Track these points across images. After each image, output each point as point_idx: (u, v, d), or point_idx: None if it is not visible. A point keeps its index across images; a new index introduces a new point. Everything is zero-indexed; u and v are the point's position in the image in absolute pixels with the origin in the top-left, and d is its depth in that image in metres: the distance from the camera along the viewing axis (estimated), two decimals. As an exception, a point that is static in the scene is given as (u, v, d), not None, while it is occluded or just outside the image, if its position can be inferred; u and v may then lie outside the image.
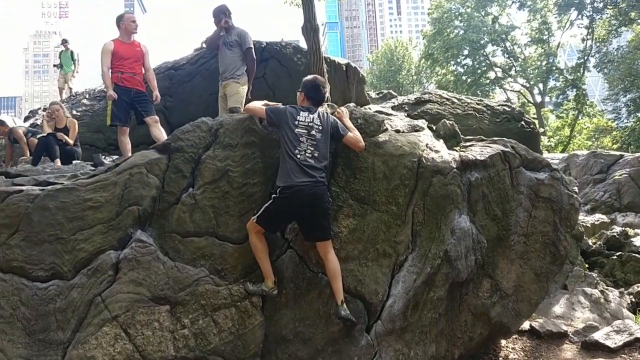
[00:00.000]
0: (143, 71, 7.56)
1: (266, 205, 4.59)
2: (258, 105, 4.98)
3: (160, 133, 7.19)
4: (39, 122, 11.79)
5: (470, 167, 5.60)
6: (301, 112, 4.78)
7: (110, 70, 7.30)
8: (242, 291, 4.64)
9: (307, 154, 4.58)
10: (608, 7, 35.01)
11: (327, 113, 5.01)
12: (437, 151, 5.48)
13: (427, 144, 5.51)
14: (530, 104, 41.28)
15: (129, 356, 4.27)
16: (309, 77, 5.25)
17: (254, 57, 7.98)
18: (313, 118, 4.76)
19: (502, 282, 5.76)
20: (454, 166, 5.41)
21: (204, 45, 9.90)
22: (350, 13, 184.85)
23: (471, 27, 39.75)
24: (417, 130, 5.78)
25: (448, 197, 5.27)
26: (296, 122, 4.69)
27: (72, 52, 15.78)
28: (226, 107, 7.70)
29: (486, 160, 5.69)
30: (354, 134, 4.95)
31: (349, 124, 5.05)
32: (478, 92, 39.84)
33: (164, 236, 4.70)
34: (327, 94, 5.26)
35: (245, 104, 7.28)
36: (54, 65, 15.94)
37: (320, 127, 4.74)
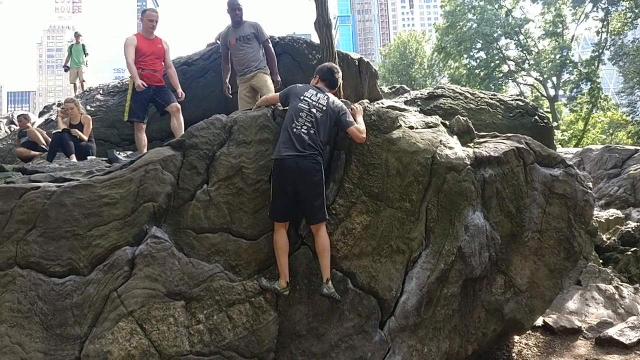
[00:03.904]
0: (163, 67, 7.56)
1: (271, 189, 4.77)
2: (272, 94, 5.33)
3: (179, 125, 7.17)
4: (53, 117, 11.90)
5: (484, 164, 5.57)
6: (310, 90, 4.98)
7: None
8: (256, 287, 4.68)
9: (302, 129, 4.71)
10: (623, -1, 34.61)
11: (337, 100, 5.10)
12: (451, 148, 5.46)
13: (441, 141, 5.49)
14: (543, 98, 40.92)
15: (144, 351, 4.32)
16: (325, 63, 5.47)
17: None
18: (319, 98, 4.91)
19: (515, 279, 5.74)
20: (468, 163, 5.40)
21: (218, 41, 9.86)
22: (362, 6, 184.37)
23: (484, 20, 39.44)
24: (430, 127, 5.77)
25: (462, 194, 5.26)
26: (301, 97, 4.88)
27: (83, 46, 15.83)
28: (253, 103, 7.49)
29: (500, 157, 5.66)
30: (358, 127, 4.97)
31: (360, 120, 5.09)
32: (491, 85, 39.60)
33: (179, 232, 4.74)
34: (340, 82, 5.37)
35: None
36: (64, 68, 15.94)
37: (324, 109, 4.86)
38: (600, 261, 10.33)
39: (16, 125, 13.27)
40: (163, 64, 7.54)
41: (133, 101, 7.22)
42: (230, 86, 7.99)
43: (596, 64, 36.88)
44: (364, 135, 4.96)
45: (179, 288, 4.52)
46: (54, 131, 9.24)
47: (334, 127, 5.00)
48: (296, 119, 4.75)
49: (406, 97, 13.17)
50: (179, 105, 7.41)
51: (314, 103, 4.86)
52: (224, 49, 8.04)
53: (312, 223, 4.71)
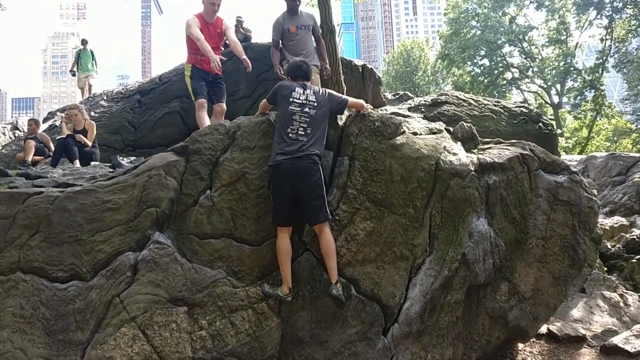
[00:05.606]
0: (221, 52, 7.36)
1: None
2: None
3: None
4: (57, 123, 11.94)
5: (489, 170, 5.56)
6: (297, 88, 4.98)
7: (188, 51, 7.13)
8: (259, 293, 4.67)
9: (299, 132, 4.76)
10: (628, 6, 34.53)
11: (320, 88, 5.18)
12: (455, 154, 5.45)
13: (444, 147, 5.48)
14: (547, 105, 40.83)
15: (147, 357, 4.30)
16: (289, 62, 5.59)
17: None
18: (307, 95, 4.94)
19: (520, 286, 5.72)
20: (472, 169, 5.38)
21: (222, 48, 9.84)
22: (366, 13, 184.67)
23: (488, 28, 39.42)
24: (434, 133, 5.75)
25: (466, 200, 5.24)
26: (291, 99, 4.89)
27: (91, 52, 15.95)
28: None
29: (504, 163, 5.64)
30: (354, 98, 5.31)
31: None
32: (495, 92, 39.51)
33: (182, 238, 4.73)
34: (311, 70, 5.38)
35: None
36: (71, 73, 16.03)
37: (316, 104, 4.91)
38: (605, 269, 10.26)
39: (21, 131, 13.32)
40: (222, 49, 7.44)
41: (194, 82, 7.07)
42: (281, 68, 7.91)
43: (600, 72, 36.76)
44: (362, 101, 5.28)
45: (182, 294, 4.51)
46: (58, 137, 9.26)
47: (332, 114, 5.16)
48: (290, 123, 4.78)
49: (410, 104, 13.17)
50: (225, 107, 7.27)
51: (304, 102, 4.89)
52: (278, 35, 8.04)
53: (315, 223, 4.71)
